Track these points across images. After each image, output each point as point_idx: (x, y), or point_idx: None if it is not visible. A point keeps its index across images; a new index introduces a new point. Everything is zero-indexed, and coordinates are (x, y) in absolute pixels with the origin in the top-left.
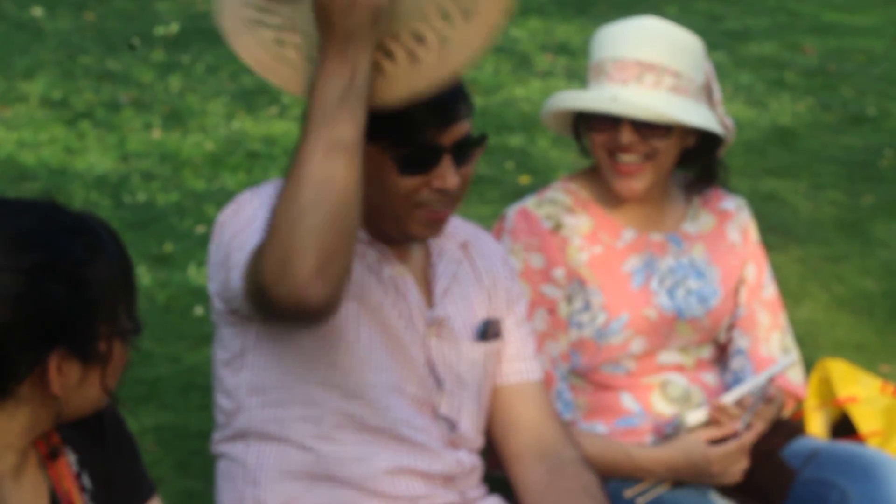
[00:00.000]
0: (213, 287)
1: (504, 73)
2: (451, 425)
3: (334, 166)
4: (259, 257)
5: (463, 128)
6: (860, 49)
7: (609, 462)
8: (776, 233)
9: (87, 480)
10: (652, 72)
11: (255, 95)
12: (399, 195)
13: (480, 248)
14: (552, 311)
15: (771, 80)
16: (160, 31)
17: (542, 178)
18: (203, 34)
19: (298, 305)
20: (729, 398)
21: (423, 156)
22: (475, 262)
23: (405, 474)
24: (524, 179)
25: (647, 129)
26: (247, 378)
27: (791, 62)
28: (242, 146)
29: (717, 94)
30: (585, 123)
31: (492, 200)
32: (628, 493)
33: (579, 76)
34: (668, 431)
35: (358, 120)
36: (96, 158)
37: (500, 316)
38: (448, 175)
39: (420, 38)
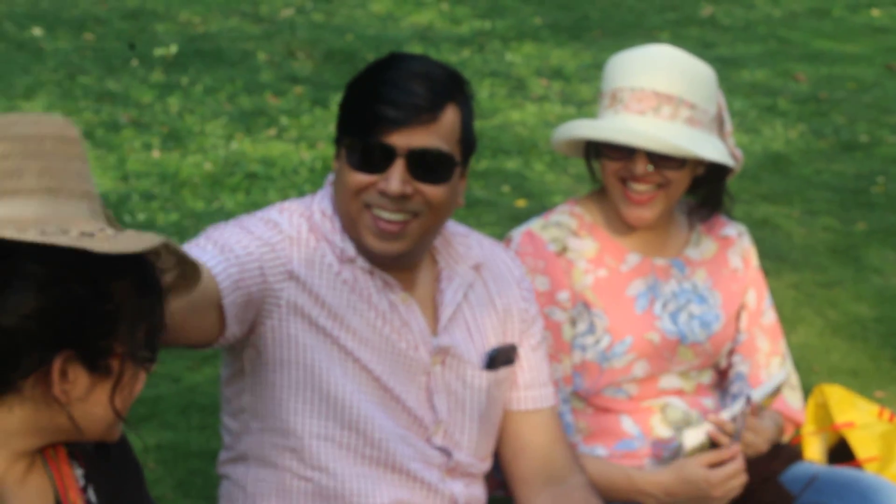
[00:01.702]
0: None
1: (499, 98)
2: (447, 454)
3: None
4: None
5: (423, 138)
6: (851, 77)
7: (609, 484)
8: (770, 258)
9: (92, 495)
10: (669, 103)
11: (254, 117)
12: (349, 192)
13: (495, 271)
14: (556, 334)
15: (763, 107)
16: (159, 52)
17: (538, 202)
18: (201, 56)
19: None
20: (726, 414)
21: (375, 154)
22: (489, 286)
23: None
24: (521, 203)
25: (662, 159)
26: (248, 401)
27: (783, 89)
28: (241, 167)
29: (728, 125)
30: (598, 150)
31: (488, 223)
32: None
33: (574, 101)
34: (667, 455)
35: None
36: (96, 178)
37: (514, 341)
38: (393, 178)
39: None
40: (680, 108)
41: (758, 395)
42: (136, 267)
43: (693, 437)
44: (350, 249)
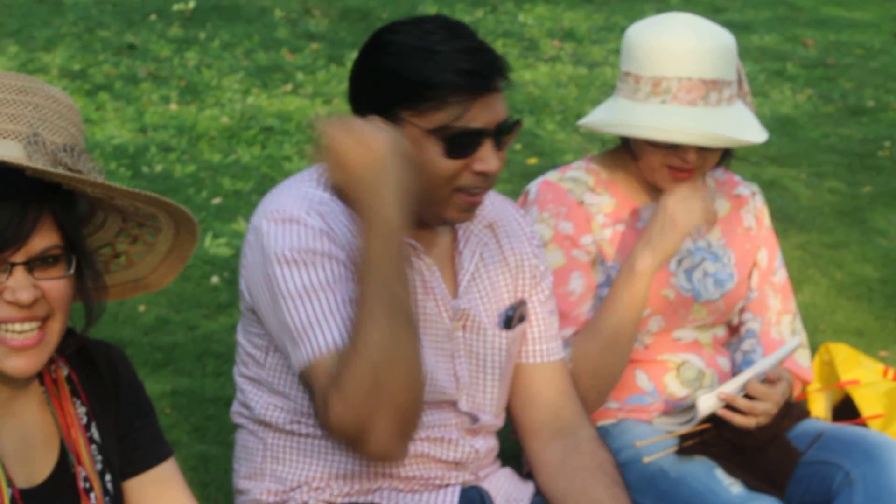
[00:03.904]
0: (244, 285)
1: (512, 58)
2: (473, 419)
3: (399, 326)
4: (333, 410)
5: (502, 109)
6: (858, 43)
7: (606, 318)
8: (777, 219)
9: (95, 432)
10: (715, 88)
11: (270, 72)
12: (441, 179)
13: (506, 227)
14: (587, 273)
15: (772, 71)
16: (177, 7)
17: (549, 160)
18: (219, 11)
19: (380, 460)
20: (733, 385)
21: (468, 139)
22: (501, 243)
23: (421, 459)
24: (532, 161)
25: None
26: (269, 374)
27: (792, 54)
28: (257, 121)
29: (746, 83)
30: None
31: (501, 181)
32: (638, 443)
33: (585, 62)
34: (676, 410)
35: (406, 277)
36: (115, 129)
37: (525, 296)
38: (490, 158)
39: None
40: (723, 91)
41: (770, 363)
42: None
43: (707, 404)
44: None
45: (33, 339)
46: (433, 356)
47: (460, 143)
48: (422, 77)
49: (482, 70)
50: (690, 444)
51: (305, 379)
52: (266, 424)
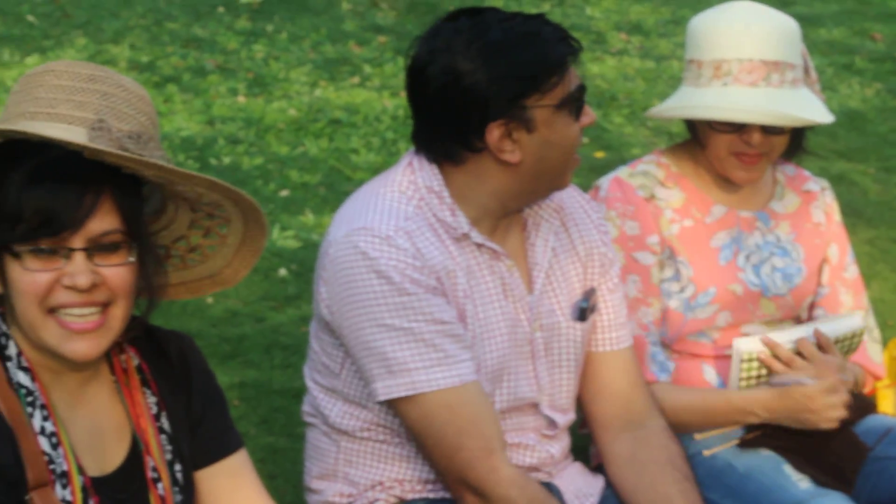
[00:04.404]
0: (323, 300)
1: None
2: (551, 424)
3: None
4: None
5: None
6: None
7: (707, 408)
8: (845, 214)
9: (165, 422)
10: (777, 70)
11: (338, 65)
12: (573, 145)
13: (574, 216)
14: (645, 277)
15: (840, 65)
16: None
17: (616, 154)
18: (286, 4)
19: None
20: (783, 336)
21: (582, 98)
22: (570, 231)
23: None
24: (599, 154)
25: (774, 128)
26: (345, 385)
27: (860, 48)
28: (325, 113)
29: (813, 72)
30: (707, 121)
31: None
32: (698, 436)
33: (652, 55)
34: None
35: None
36: (183, 121)
37: (594, 284)
38: (588, 109)
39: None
40: (786, 72)
41: (827, 328)
42: (33, 170)
43: (749, 345)
44: (463, 224)
45: (93, 322)
46: (515, 359)
47: (581, 103)
48: (542, 60)
49: (568, 35)
50: (752, 437)
51: (399, 406)
52: (340, 431)
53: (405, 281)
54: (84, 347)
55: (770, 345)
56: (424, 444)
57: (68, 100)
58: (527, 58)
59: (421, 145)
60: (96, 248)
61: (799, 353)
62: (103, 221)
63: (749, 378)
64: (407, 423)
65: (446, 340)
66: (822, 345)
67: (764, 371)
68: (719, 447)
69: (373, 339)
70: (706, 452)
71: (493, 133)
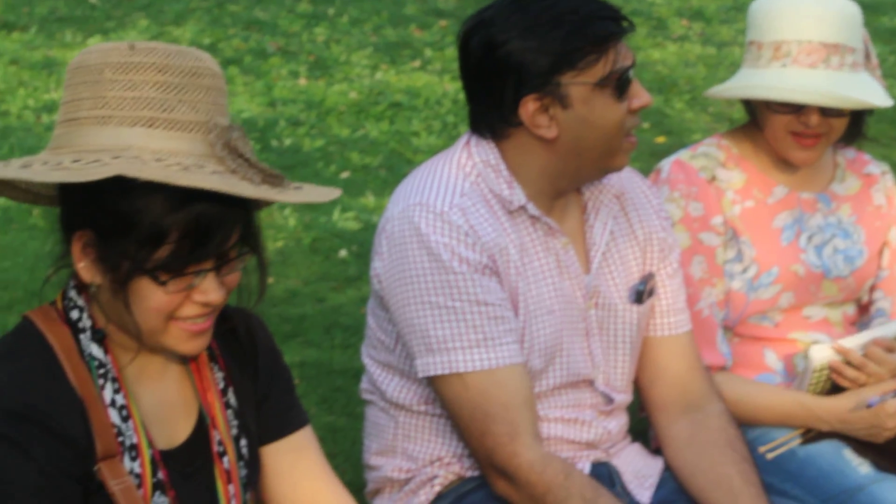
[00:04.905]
0: (377, 274)
1: (640, 37)
2: (608, 399)
3: None
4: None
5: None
6: None
7: (780, 410)
8: None
9: (231, 397)
10: (836, 52)
11: (398, 48)
12: (616, 126)
13: (635, 200)
14: (710, 258)
15: None
16: None
17: (677, 139)
18: None
19: None
20: (853, 341)
21: (627, 78)
22: (629, 215)
23: (553, 441)
24: (660, 139)
25: (832, 109)
26: (399, 360)
27: None
28: (385, 96)
29: (874, 57)
30: (764, 101)
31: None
32: (762, 449)
33: (714, 41)
34: (795, 384)
35: None
36: (244, 103)
37: (653, 269)
38: (642, 92)
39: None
40: (845, 56)
41: (888, 330)
42: (178, 193)
43: (821, 354)
44: (521, 197)
45: (209, 321)
46: (570, 336)
47: (624, 84)
48: (579, 37)
49: (616, 13)
50: (814, 435)
51: (436, 384)
52: (397, 405)
53: (453, 259)
54: (200, 345)
55: (842, 351)
56: (458, 425)
57: (181, 101)
58: (563, 33)
59: (471, 122)
60: (224, 264)
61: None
62: (233, 237)
63: (818, 384)
64: (442, 401)
65: (489, 322)
66: (888, 347)
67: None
68: (780, 450)
69: (416, 315)
70: (769, 456)
71: (528, 107)
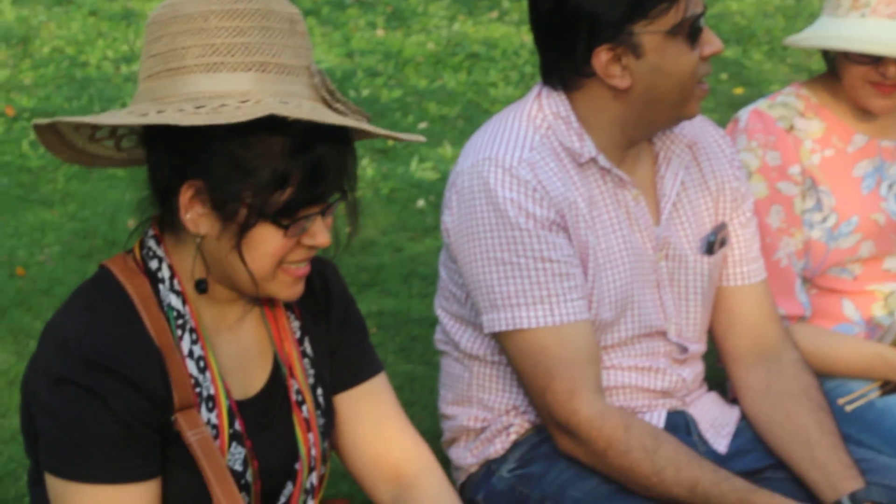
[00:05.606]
0: (447, 227)
1: None
2: (682, 349)
3: None
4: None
5: None
6: None
7: (864, 365)
8: None
9: (308, 346)
10: None
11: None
12: (689, 74)
13: (707, 149)
14: (788, 207)
15: None
16: None
17: (755, 90)
18: None
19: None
20: None
21: (699, 25)
22: (702, 165)
23: (628, 389)
24: (738, 90)
25: None
26: (470, 313)
27: None
28: (463, 47)
29: None
30: (842, 52)
31: (706, 109)
32: (840, 401)
33: None
34: (874, 338)
35: None
36: (322, 54)
37: (726, 219)
38: (714, 39)
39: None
40: None
41: None
42: (300, 135)
43: None
44: (591, 149)
45: (309, 266)
46: (640, 288)
47: (696, 31)
48: None
49: None
50: (892, 387)
51: (501, 340)
52: (471, 356)
53: (520, 215)
54: (300, 290)
55: None
56: (521, 381)
57: (285, 45)
58: None
59: (542, 73)
60: (329, 207)
61: None
62: (344, 179)
63: None
64: (507, 357)
65: (553, 279)
66: None
67: None
68: (858, 403)
69: (482, 271)
70: (848, 408)
71: (601, 57)
